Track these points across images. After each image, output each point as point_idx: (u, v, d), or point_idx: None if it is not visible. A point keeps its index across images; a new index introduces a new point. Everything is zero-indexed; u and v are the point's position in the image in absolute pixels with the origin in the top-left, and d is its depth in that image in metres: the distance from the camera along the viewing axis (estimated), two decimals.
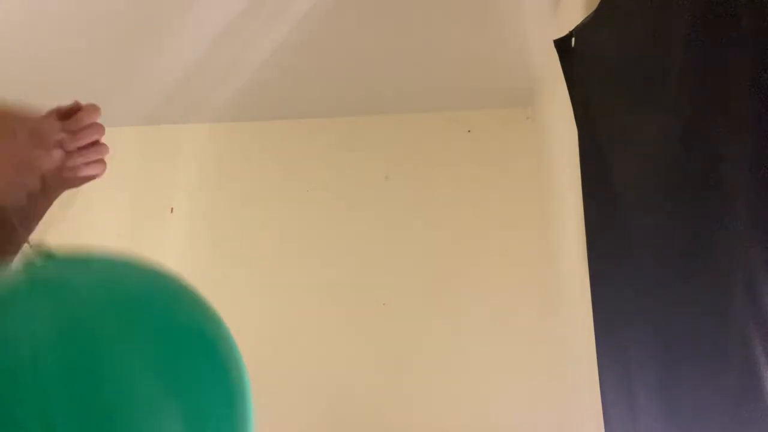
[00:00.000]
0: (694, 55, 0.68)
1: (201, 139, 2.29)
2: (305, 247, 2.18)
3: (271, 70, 1.93)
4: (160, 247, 2.22)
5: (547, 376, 1.91)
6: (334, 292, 2.11)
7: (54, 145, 0.68)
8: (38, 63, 1.85)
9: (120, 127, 2.11)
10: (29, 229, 0.72)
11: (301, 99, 2.17)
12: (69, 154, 0.70)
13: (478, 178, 2.16)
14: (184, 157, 2.28)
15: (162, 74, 1.90)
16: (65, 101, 0.73)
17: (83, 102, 0.74)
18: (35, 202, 0.72)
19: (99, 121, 0.74)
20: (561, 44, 1.25)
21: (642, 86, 0.86)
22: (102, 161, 0.74)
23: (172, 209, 2.23)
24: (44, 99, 0.73)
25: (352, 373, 2.02)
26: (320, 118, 2.30)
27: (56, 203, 0.74)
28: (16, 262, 0.55)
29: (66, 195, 0.74)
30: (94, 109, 0.72)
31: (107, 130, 0.75)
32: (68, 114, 0.71)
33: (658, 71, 0.79)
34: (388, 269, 2.10)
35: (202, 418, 0.51)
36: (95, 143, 0.73)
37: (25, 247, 0.54)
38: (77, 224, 2.26)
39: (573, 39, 1.21)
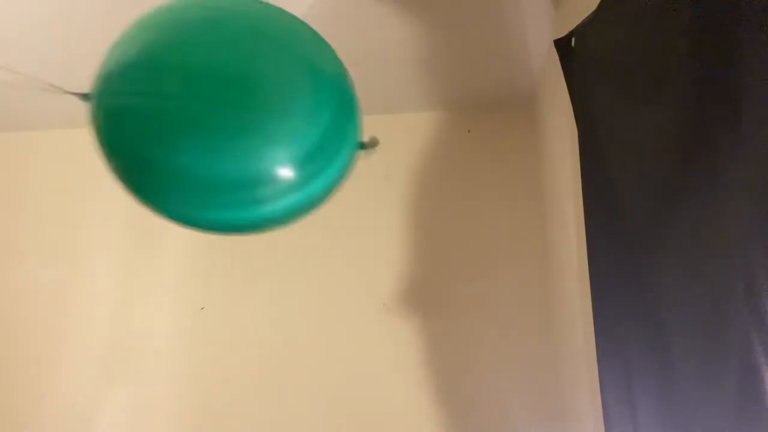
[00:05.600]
0: (694, 54, 0.68)
1: None
2: (305, 246, 2.18)
3: None
4: (159, 247, 2.22)
5: (546, 376, 1.91)
6: (333, 291, 2.11)
7: None
8: (45, 65, 1.85)
9: None
10: None
11: None
12: None
13: (478, 178, 2.16)
14: None
15: None
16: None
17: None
18: None
19: None
20: (561, 44, 1.25)
21: (642, 85, 0.86)
22: None
23: None
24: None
25: (353, 373, 2.02)
26: None
27: None
28: None
29: None
30: None
31: None
32: None
33: (658, 70, 0.79)
34: (388, 269, 2.10)
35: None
36: None
37: None
38: (76, 225, 2.26)
39: (573, 39, 1.21)
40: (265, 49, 0.81)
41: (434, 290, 2.06)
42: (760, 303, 0.54)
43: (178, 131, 0.72)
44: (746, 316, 0.56)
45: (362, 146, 1.01)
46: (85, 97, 0.80)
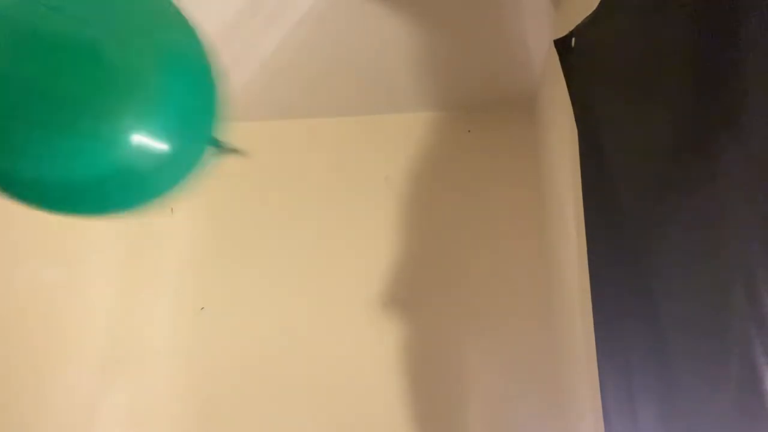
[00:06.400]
0: (694, 53, 0.68)
1: None
2: (305, 246, 2.18)
3: (270, 70, 1.93)
4: (159, 247, 2.22)
5: (546, 376, 1.91)
6: (333, 291, 2.11)
7: None
8: None
9: None
10: None
11: (301, 99, 2.17)
12: None
13: (478, 178, 2.16)
14: None
15: None
16: None
17: None
18: None
19: None
20: (561, 44, 1.25)
21: (642, 85, 0.86)
22: None
23: (172, 209, 2.23)
24: None
25: (352, 371, 2.02)
26: (320, 118, 2.30)
27: None
28: None
29: None
30: None
31: None
32: None
33: (657, 70, 0.79)
34: (388, 269, 2.10)
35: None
36: None
37: None
38: (76, 226, 2.26)
39: (573, 39, 1.21)
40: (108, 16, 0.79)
41: (434, 290, 2.06)
42: (760, 302, 0.54)
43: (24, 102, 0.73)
44: (746, 315, 0.56)
45: (219, 144, 0.95)
46: None
